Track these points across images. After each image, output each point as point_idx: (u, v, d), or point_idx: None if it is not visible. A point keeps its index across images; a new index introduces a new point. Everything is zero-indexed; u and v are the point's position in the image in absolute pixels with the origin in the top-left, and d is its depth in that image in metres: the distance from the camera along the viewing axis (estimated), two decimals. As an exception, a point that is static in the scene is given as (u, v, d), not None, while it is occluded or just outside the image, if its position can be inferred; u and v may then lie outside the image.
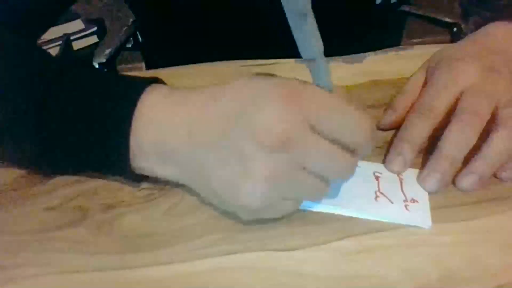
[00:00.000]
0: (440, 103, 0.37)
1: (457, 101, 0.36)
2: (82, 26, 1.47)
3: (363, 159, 0.35)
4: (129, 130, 0.30)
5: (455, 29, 0.83)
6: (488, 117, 0.35)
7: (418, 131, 0.36)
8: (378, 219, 0.32)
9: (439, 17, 0.87)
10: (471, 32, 0.45)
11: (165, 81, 0.34)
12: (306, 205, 0.33)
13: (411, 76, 0.43)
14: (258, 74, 0.30)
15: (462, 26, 0.80)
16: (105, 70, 0.78)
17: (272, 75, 0.30)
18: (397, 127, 0.39)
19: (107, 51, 0.81)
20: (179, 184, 0.33)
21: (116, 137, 0.30)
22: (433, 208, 0.33)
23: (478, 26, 0.45)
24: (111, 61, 0.81)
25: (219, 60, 0.50)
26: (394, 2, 0.53)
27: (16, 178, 0.36)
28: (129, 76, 0.34)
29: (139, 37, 0.92)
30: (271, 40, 0.49)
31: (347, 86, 0.46)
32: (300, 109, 0.27)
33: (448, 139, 0.34)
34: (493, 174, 0.35)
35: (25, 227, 0.32)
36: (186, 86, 0.32)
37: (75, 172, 0.36)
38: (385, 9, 0.54)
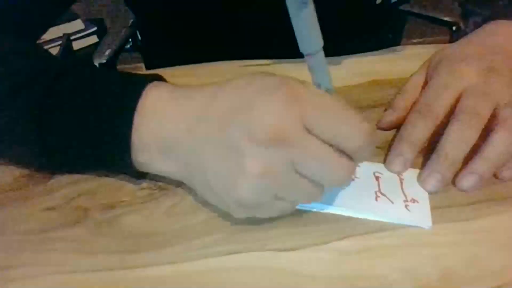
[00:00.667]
0: (440, 104, 0.37)
1: (457, 101, 0.36)
2: (82, 26, 1.47)
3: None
4: (131, 124, 0.30)
5: (454, 28, 0.83)
6: (488, 117, 0.35)
7: (419, 131, 0.36)
8: (378, 219, 0.32)
9: (439, 16, 0.87)
10: (471, 31, 0.45)
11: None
12: (305, 205, 0.33)
13: (411, 76, 0.43)
14: (258, 72, 0.30)
15: (462, 25, 0.80)
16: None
17: (272, 74, 0.30)
18: (397, 127, 0.39)
19: (107, 52, 0.81)
20: (179, 184, 0.33)
21: (118, 131, 0.31)
22: (433, 208, 0.33)
23: (477, 26, 0.45)
24: (111, 61, 0.81)
25: (219, 60, 0.50)
26: (394, 2, 0.53)
27: (16, 178, 0.36)
28: (131, 73, 0.34)
29: (139, 37, 0.92)
30: (271, 40, 0.49)
31: (347, 86, 0.46)
32: (297, 109, 0.27)
33: (448, 139, 0.34)
34: (493, 174, 0.35)
35: (25, 227, 0.32)
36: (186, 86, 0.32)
37: (77, 169, 0.36)
38: (384, 8, 0.54)
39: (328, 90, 0.30)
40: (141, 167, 0.33)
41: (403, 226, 0.32)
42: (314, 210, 0.33)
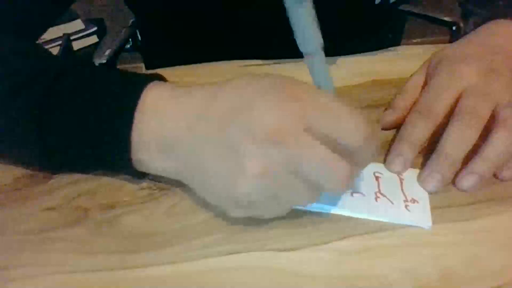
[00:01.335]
0: (440, 104, 0.37)
1: (457, 102, 0.36)
2: (82, 26, 1.47)
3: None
4: (131, 123, 0.31)
5: (454, 28, 0.83)
6: (487, 117, 0.35)
7: (419, 131, 0.36)
8: (378, 219, 0.32)
9: (439, 16, 0.87)
10: (471, 31, 0.45)
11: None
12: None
13: (411, 76, 0.43)
14: (259, 72, 0.30)
15: (462, 25, 0.80)
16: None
17: (272, 74, 0.30)
18: (396, 127, 0.39)
19: (107, 52, 0.81)
20: (179, 184, 0.33)
21: (118, 130, 0.31)
22: (433, 208, 0.33)
23: (477, 26, 0.45)
24: (111, 61, 0.81)
25: (219, 60, 0.50)
26: (393, 2, 0.53)
27: (16, 178, 0.36)
28: (131, 73, 0.34)
29: (139, 37, 0.92)
30: (271, 40, 0.49)
31: (347, 86, 0.46)
32: (297, 109, 0.27)
33: (448, 139, 0.34)
34: (493, 174, 0.35)
35: (25, 227, 0.32)
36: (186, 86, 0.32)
37: (77, 169, 0.36)
38: (384, 9, 0.54)
39: (328, 91, 0.30)
40: (141, 167, 0.33)
41: (403, 226, 0.32)
42: (314, 210, 0.33)
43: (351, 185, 0.29)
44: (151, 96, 0.31)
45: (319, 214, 0.33)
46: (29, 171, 0.36)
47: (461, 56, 0.40)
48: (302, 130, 0.27)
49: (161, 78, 0.34)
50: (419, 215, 0.32)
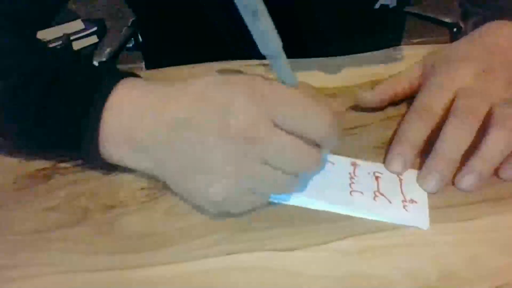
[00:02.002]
0: (437, 104, 0.37)
1: (453, 101, 0.36)
2: (82, 26, 1.47)
3: (336, 151, 0.37)
4: (99, 119, 0.31)
5: (455, 29, 0.83)
6: (483, 116, 0.35)
7: (417, 131, 0.36)
8: (377, 219, 0.32)
9: (440, 17, 0.87)
10: (471, 31, 0.45)
11: (165, 81, 0.34)
12: (304, 203, 0.33)
13: (406, 68, 0.44)
14: (224, 70, 0.31)
15: (462, 26, 0.80)
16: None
17: (239, 71, 0.30)
18: (370, 107, 0.42)
19: (108, 50, 0.81)
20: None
21: (87, 127, 0.31)
22: (433, 208, 0.33)
23: (477, 26, 0.45)
24: (112, 60, 0.81)
25: (219, 60, 0.50)
26: (393, 7, 0.53)
27: (16, 178, 0.36)
28: (107, 68, 0.35)
29: (139, 37, 0.92)
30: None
31: (347, 86, 0.46)
32: (263, 105, 0.28)
33: (444, 139, 0.34)
34: (495, 174, 0.35)
35: (25, 227, 0.32)
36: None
37: (56, 157, 0.36)
38: (383, 14, 0.54)
39: (292, 86, 0.30)
40: (115, 162, 0.33)
41: (403, 226, 0.32)
42: (313, 208, 0.33)
43: (321, 167, 0.32)
44: (120, 94, 0.32)
45: (319, 214, 0.33)
46: (29, 171, 0.36)
47: (458, 56, 0.40)
48: (270, 125, 0.28)
49: (135, 76, 0.34)
50: (417, 215, 0.32)
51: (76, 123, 0.32)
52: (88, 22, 1.49)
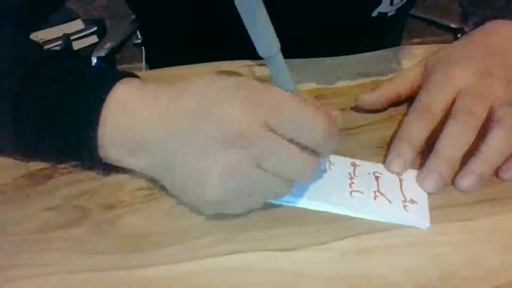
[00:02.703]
0: (437, 104, 0.37)
1: (454, 102, 0.36)
2: (82, 26, 1.47)
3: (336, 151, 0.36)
4: (98, 119, 0.31)
5: (459, 35, 0.83)
6: (483, 117, 0.35)
7: (417, 131, 0.36)
8: (377, 219, 0.32)
9: (443, 21, 0.87)
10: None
11: (165, 81, 0.34)
12: (305, 203, 0.33)
13: (406, 70, 0.44)
14: (222, 72, 0.31)
15: (466, 29, 0.80)
16: (103, 64, 0.79)
17: (237, 74, 0.30)
18: (371, 109, 0.42)
19: (107, 45, 0.82)
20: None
21: (84, 126, 0.31)
22: (433, 208, 0.33)
23: (477, 26, 0.45)
24: (111, 56, 0.81)
25: (220, 60, 0.50)
26: (391, 15, 0.53)
27: (16, 178, 0.35)
28: (106, 69, 0.35)
29: (139, 36, 0.92)
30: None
31: (347, 86, 0.46)
32: (258, 109, 0.28)
33: (445, 139, 0.34)
34: (495, 174, 0.35)
35: (25, 227, 0.32)
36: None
37: (49, 159, 0.36)
38: (382, 21, 0.54)
39: (289, 91, 0.30)
40: (112, 163, 0.33)
41: (403, 226, 0.32)
42: (312, 208, 0.33)
43: (316, 174, 0.31)
44: (118, 95, 0.32)
45: (319, 214, 0.33)
46: (29, 171, 0.36)
47: (457, 57, 0.40)
48: (264, 128, 0.28)
49: (134, 76, 0.34)
50: (417, 215, 0.32)
51: (75, 124, 0.32)
52: (88, 22, 1.50)
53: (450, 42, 0.45)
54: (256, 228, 0.32)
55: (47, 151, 0.35)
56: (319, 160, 0.30)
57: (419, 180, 0.35)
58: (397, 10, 0.53)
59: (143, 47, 1.04)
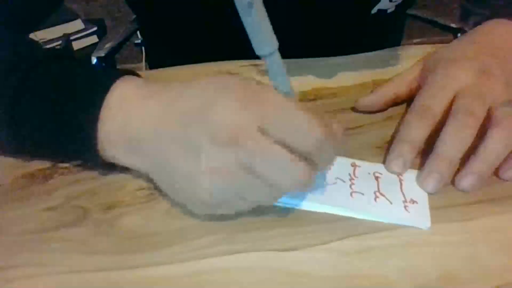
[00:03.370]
0: (436, 104, 0.37)
1: (453, 102, 0.36)
2: (82, 26, 1.47)
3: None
4: (97, 119, 0.31)
5: (459, 35, 0.83)
6: (482, 116, 0.35)
7: (417, 131, 0.36)
8: (377, 219, 0.32)
9: (444, 22, 0.87)
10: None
11: (164, 81, 0.34)
12: (305, 205, 0.33)
13: (405, 70, 0.44)
14: (220, 73, 0.31)
15: (466, 29, 0.80)
16: (103, 64, 0.79)
17: (233, 75, 0.30)
18: (371, 111, 0.42)
19: (107, 45, 0.82)
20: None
21: (84, 126, 0.31)
22: (433, 208, 0.33)
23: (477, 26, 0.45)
24: (111, 56, 0.81)
25: (220, 60, 0.50)
26: (390, 12, 0.53)
27: (16, 178, 0.36)
28: (105, 68, 0.34)
29: (139, 36, 0.92)
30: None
31: (347, 86, 0.46)
32: (252, 111, 0.28)
33: (444, 139, 0.35)
34: (495, 174, 0.35)
35: (25, 227, 0.32)
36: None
37: (48, 159, 0.36)
38: (382, 18, 0.54)
39: (286, 92, 0.30)
40: (109, 160, 0.33)
41: (403, 226, 0.32)
42: (312, 210, 0.33)
43: (310, 185, 0.29)
44: (117, 94, 0.32)
45: (319, 214, 0.33)
46: (29, 171, 0.36)
47: (456, 57, 0.40)
48: (257, 131, 0.28)
49: (134, 74, 0.34)
50: (418, 216, 0.32)
51: (74, 122, 0.32)
52: (88, 22, 1.50)
53: (450, 42, 0.45)
54: (256, 228, 0.32)
55: (46, 150, 0.35)
56: (314, 171, 0.29)
57: (420, 180, 0.35)
58: (397, 7, 0.53)
59: (143, 47, 1.04)
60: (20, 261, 0.30)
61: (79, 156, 0.35)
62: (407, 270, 0.29)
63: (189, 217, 0.32)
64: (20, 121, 0.33)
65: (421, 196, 0.34)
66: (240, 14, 0.27)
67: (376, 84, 0.45)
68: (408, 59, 0.46)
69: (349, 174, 0.36)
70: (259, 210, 0.32)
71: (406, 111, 0.40)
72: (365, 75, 0.47)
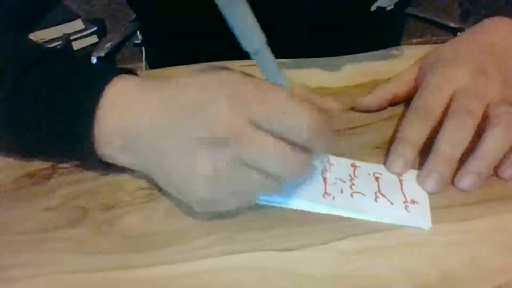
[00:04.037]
0: (435, 104, 0.37)
1: (451, 102, 0.37)
2: (82, 26, 1.47)
3: (335, 152, 0.36)
4: (93, 117, 0.31)
5: (459, 34, 0.83)
6: (480, 115, 0.35)
7: (417, 131, 0.37)
8: (378, 220, 0.32)
9: (443, 20, 0.87)
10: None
11: (159, 79, 0.34)
12: (305, 206, 0.33)
13: (403, 70, 0.44)
14: (214, 68, 0.30)
15: (466, 29, 0.80)
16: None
17: (229, 70, 0.30)
18: (370, 111, 0.42)
19: (107, 45, 0.82)
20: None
21: (81, 124, 0.31)
22: (433, 208, 0.33)
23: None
24: (111, 56, 0.81)
25: (220, 60, 0.50)
26: (389, 9, 0.53)
27: (16, 178, 0.35)
28: (102, 65, 0.34)
29: (139, 36, 0.92)
30: (271, 40, 0.49)
31: (347, 86, 0.46)
32: (244, 105, 0.28)
33: (443, 139, 0.35)
34: (495, 174, 0.35)
35: (25, 227, 0.32)
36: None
37: (47, 158, 0.36)
38: (381, 15, 0.54)
39: (281, 86, 0.30)
40: (106, 159, 0.33)
41: (403, 226, 0.32)
42: (313, 210, 0.33)
43: (308, 172, 0.30)
44: (114, 91, 0.32)
45: (318, 214, 0.33)
46: (29, 171, 0.36)
47: (454, 57, 0.41)
48: (251, 125, 0.28)
49: (131, 72, 0.34)
50: (419, 216, 0.32)
51: (69, 120, 0.32)
52: (88, 22, 1.50)
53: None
54: (256, 228, 0.32)
55: (43, 149, 0.35)
56: (310, 157, 0.29)
57: (420, 180, 0.35)
58: (396, 5, 0.53)
59: (143, 47, 1.04)
60: (20, 261, 0.30)
61: (75, 155, 0.34)
62: (407, 270, 0.29)
63: (189, 217, 0.32)
64: (17, 119, 0.32)
65: (422, 196, 0.34)
66: (224, 13, 0.27)
67: (376, 84, 0.45)
68: (408, 59, 0.46)
69: (349, 175, 0.36)
70: (259, 210, 0.32)
71: (405, 111, 0.40)
72: (365, 75, 0.47)
